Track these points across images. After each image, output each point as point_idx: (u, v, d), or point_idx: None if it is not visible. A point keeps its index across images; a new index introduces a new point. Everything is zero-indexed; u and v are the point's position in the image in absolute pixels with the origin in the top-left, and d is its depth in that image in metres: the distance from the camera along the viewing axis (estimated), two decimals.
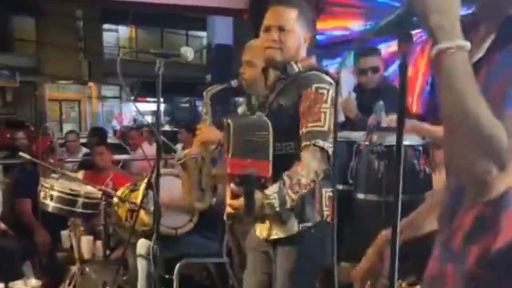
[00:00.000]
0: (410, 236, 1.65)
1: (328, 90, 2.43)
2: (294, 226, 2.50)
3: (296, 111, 2.46)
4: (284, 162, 2.38)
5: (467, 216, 1.31)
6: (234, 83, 3.25)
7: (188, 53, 2.82)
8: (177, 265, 3.87)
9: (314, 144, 2.39)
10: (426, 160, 3.56)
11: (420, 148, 3.53)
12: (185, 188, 3.20)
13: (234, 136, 2.25)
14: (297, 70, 2.53)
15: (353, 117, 3.98)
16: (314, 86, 2.43)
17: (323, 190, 2.53)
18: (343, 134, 3.81)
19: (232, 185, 2.32)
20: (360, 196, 3.61)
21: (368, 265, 1.73)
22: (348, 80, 4.32)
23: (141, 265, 3.88)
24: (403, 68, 1.24)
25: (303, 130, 2.43)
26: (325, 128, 2.41)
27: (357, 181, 3.68)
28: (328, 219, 2.52)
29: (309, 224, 2.50)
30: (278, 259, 2.58)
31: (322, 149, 2.39)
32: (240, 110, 3.63)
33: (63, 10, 21.49)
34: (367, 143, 3.54)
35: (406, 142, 3.43)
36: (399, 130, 1.23)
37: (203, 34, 24.45)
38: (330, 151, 2.39)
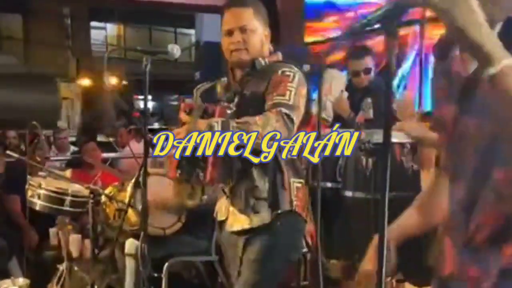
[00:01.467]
0: (402, 240, 1.66)
1: (295, 73, 2.49)
2: (268, 214, 2.54)
3: (260, 102, 2.49)
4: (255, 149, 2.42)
5: (489, 217, 1.31)
6: (224, 80, 3.25)
7: (175, 50, 2.81)
8: (166, 264, 3.87)
9: (280, 111, 2.38)
10: (414, 157, 3.58)
11: (408, 145, 3.54)
12: (176, 185, 3.21)
13: None
14: (264, 64, 2.60)
15: (346, 116, 3.98)
16: (281, 70, 2.50)
17: (291, 180, 2.57)
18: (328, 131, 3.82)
19: (182, 113, 2.44)
20: (348, 193, 3.62)
21: (373, 266, 1.70)
22: (338, 79, 4.31)
23: (130, 264, 3.86)
24: (389, 63, 1.23)
25: (267, 103, 2.45)
26: (291, 102, 2.41)
27: (346, 179, 3.68)
28: (297, 209, 2.57)
29: (280, 211, 2.54)
30: (247, 248, 2.60)
31: (288, 116, 2.38)
32: None
33: (50, 8, 21.34)
34: None
35: (394, 139, 3.46)
36: (386, 127, 1.23)
37: (192, 31, 24.40)
38: (295, 123, 2.40)
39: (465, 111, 1.32)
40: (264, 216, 2.55)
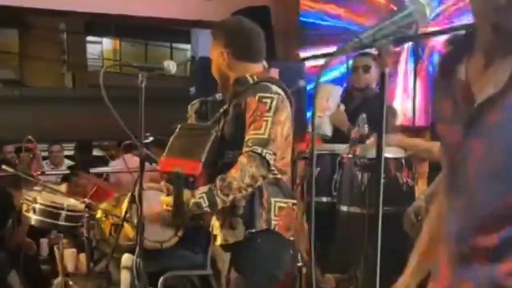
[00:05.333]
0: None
1: (272, 99, 2.52)
2: (242, 232, 2.57)
3: (244, 120, 2.55)
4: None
5: (490, 237, 1.31)
6: (218, 96, 3.27)
7: (171, 66, 2.84)
8: (161, 278, 3.86)
9: (252, 151, 2.45)
10: (409, 172, 3.60)
11: (403, 160, 3.56)
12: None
13: (173, 138, 2.60)
14: (251, 81, 2.63)
15: (346, 129, 4.00)
16: (258, 95, 2.53)
17: (272, 199, 2.59)
18: (324, 147, 3.85)
19: (163, 182, 2.55)
20: (344, 208, 3.64)
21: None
22: (335, 93, 4.33)
23: (125, 278, 3.85)
24: (383, 80, 1.26)
25: (245, 139, 2.52)
26: (265, 136, 2.47)
27: (341, 194, 3.70)
28: (277, 229, 2.59)
29: (254, 230, 2.56)
30: (232, 264, 2.66)
31: (260, 155, 2.45)
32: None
33: (46, 22, 21.36)
34: (350, 155, 3.56)
35: (389, 154, 3.48)
36: (380, 143, 1.25)
37: (187, 46, 24.47)
38: (270, 158, 2.47)
39: (472, 135, 1.32)
40: (238, 233, 2.59)
